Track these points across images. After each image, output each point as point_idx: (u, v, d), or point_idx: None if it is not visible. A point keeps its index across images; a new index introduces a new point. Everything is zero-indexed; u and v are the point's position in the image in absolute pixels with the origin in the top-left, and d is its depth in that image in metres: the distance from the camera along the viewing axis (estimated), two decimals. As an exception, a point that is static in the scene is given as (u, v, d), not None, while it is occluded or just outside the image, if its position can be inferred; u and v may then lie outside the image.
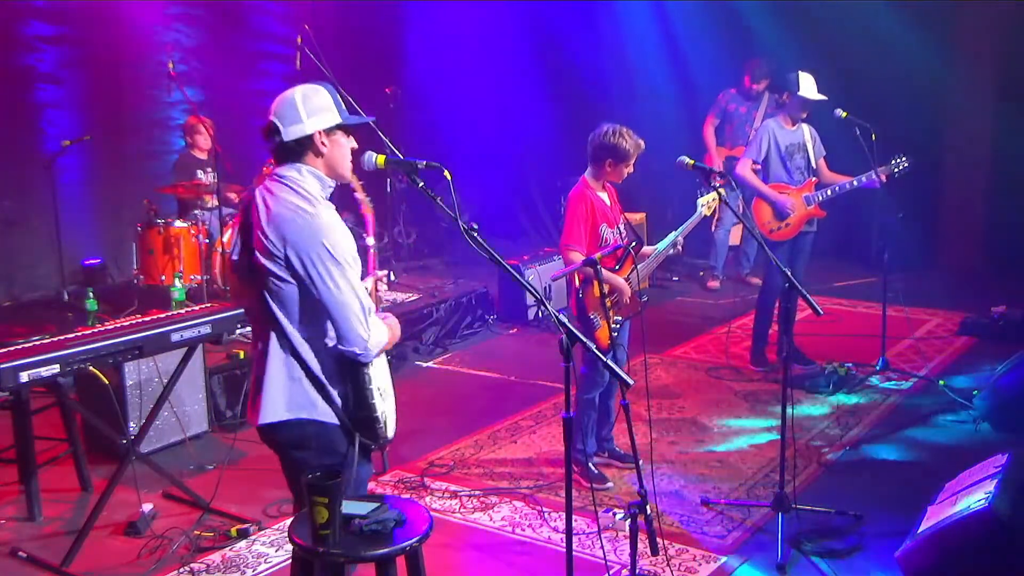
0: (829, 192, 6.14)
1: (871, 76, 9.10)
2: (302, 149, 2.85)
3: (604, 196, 4.76)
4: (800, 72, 6.08)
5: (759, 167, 6.23)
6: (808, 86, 6.06)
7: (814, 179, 6.21)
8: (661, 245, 4.77)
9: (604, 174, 4.69)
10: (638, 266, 4.67)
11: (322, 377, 2.86)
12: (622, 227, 4.79)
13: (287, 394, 2.86)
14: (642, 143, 4.65)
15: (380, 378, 2.97)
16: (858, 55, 8.93)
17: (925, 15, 8.60)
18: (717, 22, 9.42)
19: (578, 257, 4.55)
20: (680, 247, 4.82)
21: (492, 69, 10.31)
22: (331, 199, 2.96)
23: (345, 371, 2.87)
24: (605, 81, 10.19)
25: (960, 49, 8.83)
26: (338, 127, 2.88)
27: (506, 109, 10.40)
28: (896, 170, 6.09)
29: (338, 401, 2.88)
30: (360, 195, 3.20)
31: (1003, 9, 8.47)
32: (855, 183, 6.12)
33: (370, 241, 3.23)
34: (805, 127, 6.22)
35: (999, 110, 8.74)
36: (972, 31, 8.72)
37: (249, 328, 3.10)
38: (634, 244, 4.75)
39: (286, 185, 2.85)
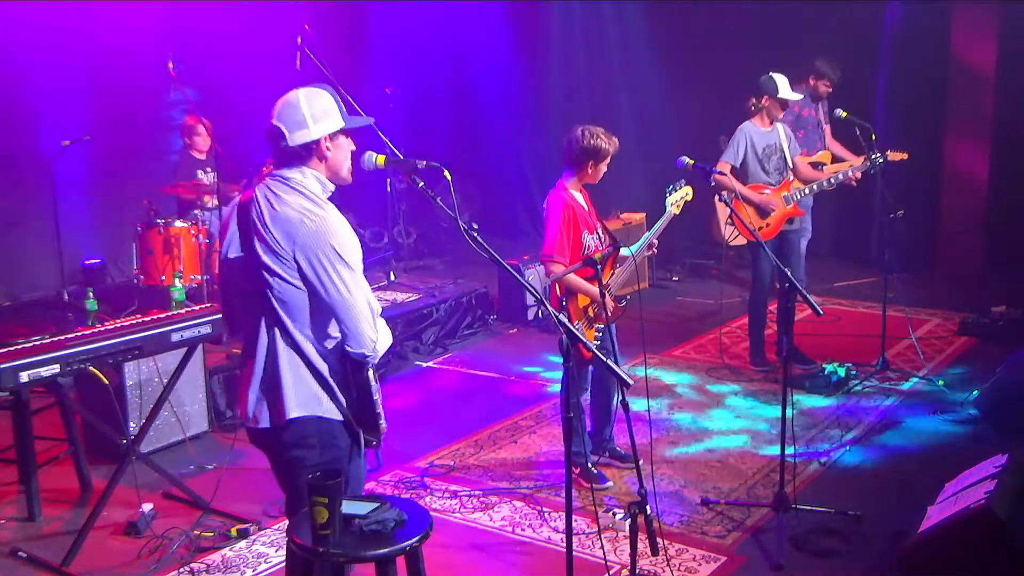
0: (807, 191, 6.15)
1: (869, 75, 9.11)
2: (307, 154, 2.84)
3: (580, 199, 4.71)
4: (772, 73, 6.09)
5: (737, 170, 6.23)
6: (785, 87, 6.08)
7: (791, 179, 6.22)
8: (635, 248, 4.73)
9: (584, 176, 4.67)
10: (616, 269, 4.65)
11: (327, 376, 2.86)
12: (600, 232, 4.75)
13: (295, 393, 2.86)
14: (616, 140, 4.63)
15: (374, 377, 2.99)
16: (855, 53, 8.93)
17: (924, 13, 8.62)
18: (720, 22, 9.41)
19: (561, 269, 4.52)
20: (655, 249, 4.81)
21: (492, 68, 10.30)
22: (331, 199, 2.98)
23: (348, 370, 2.88)
24: (607, 80, 10.17)
25: (960, 46, 8.82)
26: (340, 131, 2.88)
27: (506, 108, 10.39)
28: (872, 167, 6.09)
29: (342, 399, 2.88)
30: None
31: (1004, 7, 8.47)
32: (832, 181, 6.12)
33: None
34: (780, 127, 6.25)
35: (999, 109, 8.73)
36: (972, 29, 8.71)
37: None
38: (618, 247, 4.73)
39: (290, 187, 2.84)
